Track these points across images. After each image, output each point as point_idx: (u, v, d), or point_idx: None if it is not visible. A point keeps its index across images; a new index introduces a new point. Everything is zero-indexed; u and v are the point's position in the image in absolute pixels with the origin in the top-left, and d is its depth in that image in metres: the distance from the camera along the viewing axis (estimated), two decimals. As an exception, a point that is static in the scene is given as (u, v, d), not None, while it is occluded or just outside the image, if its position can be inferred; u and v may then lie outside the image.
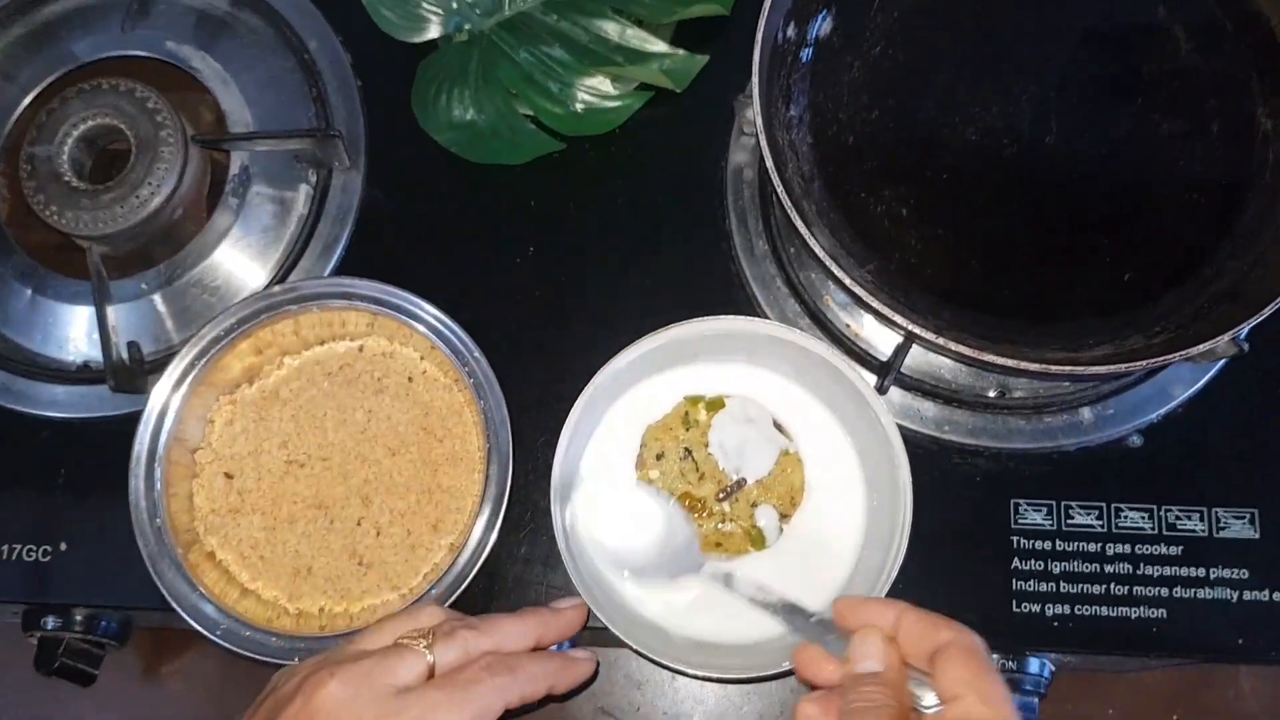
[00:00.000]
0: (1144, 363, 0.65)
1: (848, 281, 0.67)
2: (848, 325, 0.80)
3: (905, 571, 0.72)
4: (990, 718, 0.50)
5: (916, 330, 0.65)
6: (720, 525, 0.73)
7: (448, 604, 0.70)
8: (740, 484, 0.74)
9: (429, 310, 0.75)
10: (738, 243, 0.81)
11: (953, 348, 0.65)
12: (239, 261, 0.83)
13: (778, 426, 0.75)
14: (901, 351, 0.73)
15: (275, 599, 0.74)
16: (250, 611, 0.73)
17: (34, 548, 0.78)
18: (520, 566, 0.76)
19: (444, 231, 0.84)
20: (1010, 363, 0.64)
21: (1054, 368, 0.64)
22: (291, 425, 0.77)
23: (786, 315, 0.80)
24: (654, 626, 0.72)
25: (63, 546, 0.78)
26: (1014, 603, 0.75)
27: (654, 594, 0.72)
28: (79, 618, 0.79)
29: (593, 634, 0.69)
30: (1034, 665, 0.75)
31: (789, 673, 0.64)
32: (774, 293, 0.80)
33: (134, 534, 0.71)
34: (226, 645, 0.70)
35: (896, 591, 0.74)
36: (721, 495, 0.73)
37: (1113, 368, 0.64)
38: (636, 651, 0.67)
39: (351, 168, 0.84)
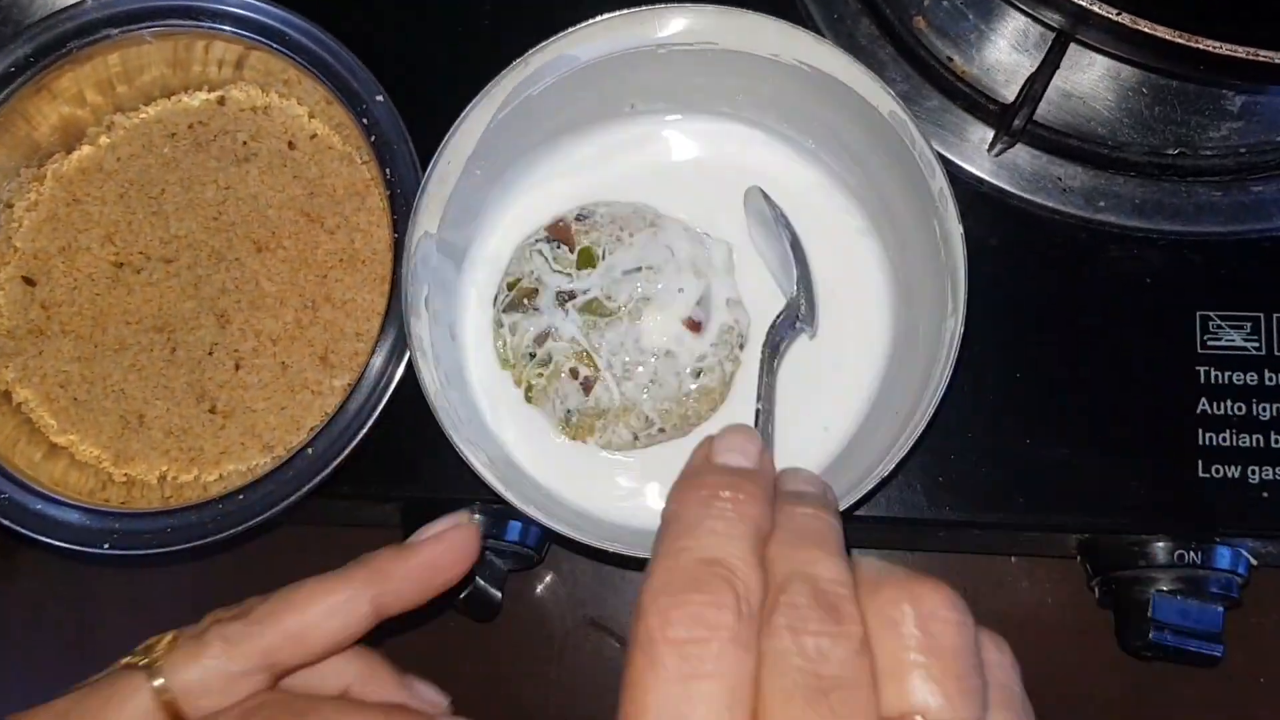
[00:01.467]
0: None
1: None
2: (951, 58, 0.53)
3: (1042, 419, 0.48)
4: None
5: (1087, 4, 0.38)
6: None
7: (325, 474, 0.45)
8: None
9: (320, 37, 0.50)
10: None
11: (1147, 31, 0.38)
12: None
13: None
14: (1048, 65, 0.46)
15: (96, 459, 0.51)
16: (61, 478, 0.49)
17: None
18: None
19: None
20: (1250, 54, 0.38)
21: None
22: (120, 209, 0.52)
23: (858, 42, 0.53)
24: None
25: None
26: (1201, 464, 0.49)
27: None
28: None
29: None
30: (1225, 557, 0.50)
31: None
32: (839, 7, 0.53)
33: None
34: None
35: (1027, 451, 0.49)
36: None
37: None
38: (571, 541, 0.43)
39: None
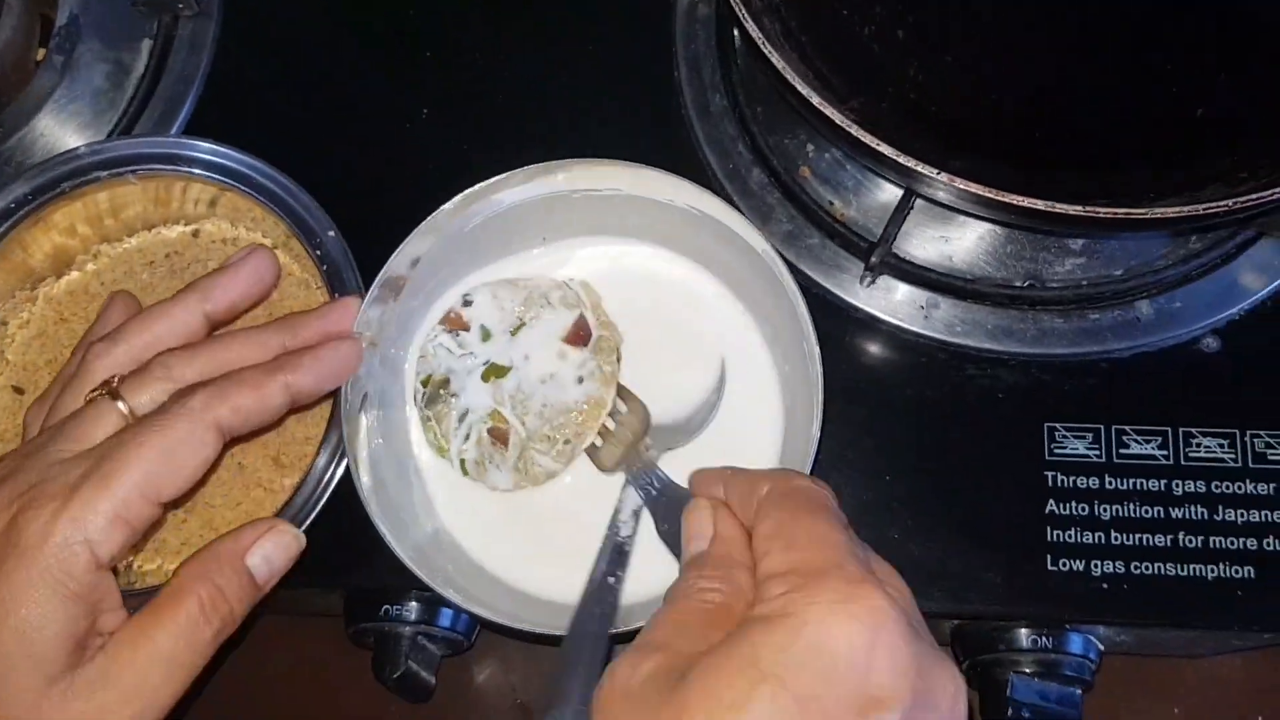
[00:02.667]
0: (1227, 206, 0.46)
1: (829, 113, 0.48)
2: (831, 203, 0.61)
3: (909, 516, 0.55)
4: (799, 565, 0.36)
5: (920, 170, 0.46)
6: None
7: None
8: None
9: (282, 181, 0.58)
10: (689, 98, 0.63)
11: (974, 190, 0.46)
12: (63, 130, 0.65)
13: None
14: (900, 213, 0.54)
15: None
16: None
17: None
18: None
19: (318, 95, 0.66)
20: (1048, 207, 0.46)
21: (1104, 211, 0.45)
22: (99, 329, 0.59)
23: (750, 188, 0.61)
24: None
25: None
26: (1049, 558, 0.55)
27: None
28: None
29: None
30: (1076, 643, 0.56)
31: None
32: (735, 160, 0.62)
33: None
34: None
35: (896, 544, 0.55)
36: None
37: (1188, 210, 0.45)
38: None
39: (202, 13, 0.67)
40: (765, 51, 0.48)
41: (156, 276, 0.60)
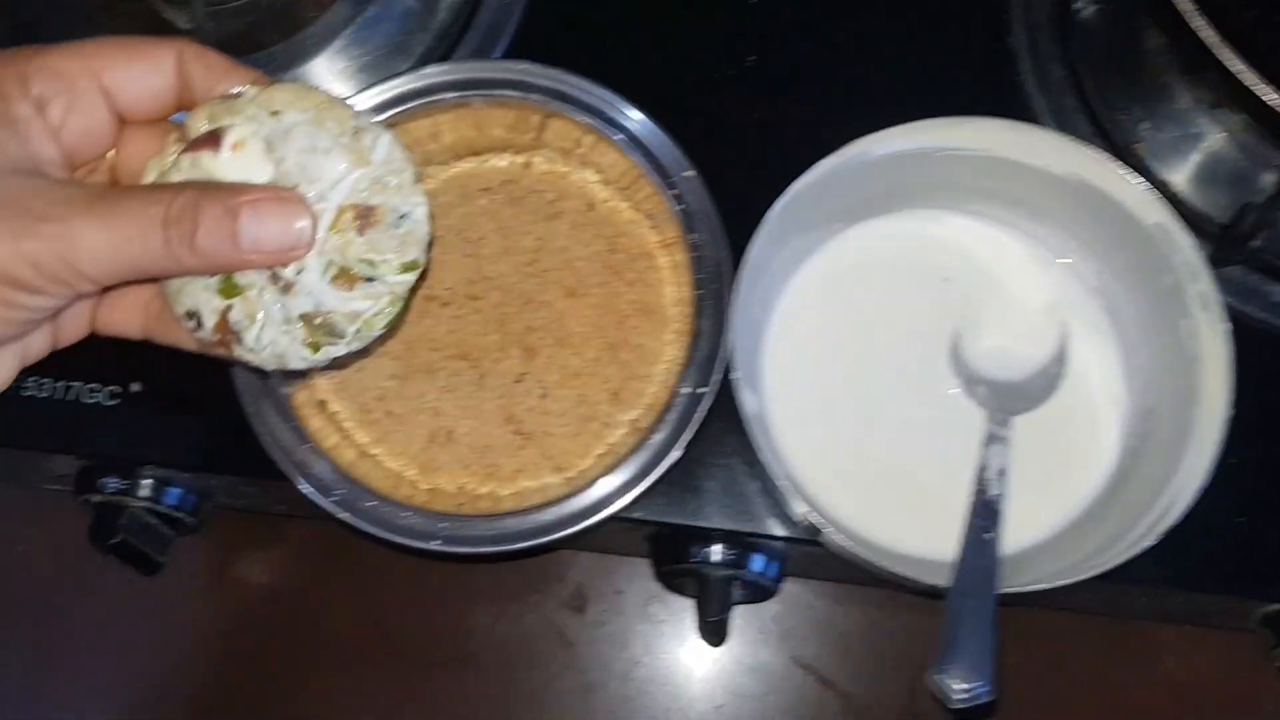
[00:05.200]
0: None
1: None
2: (1165, 182, 0.60)
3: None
4: None
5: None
6: None
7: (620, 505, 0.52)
8: None
9: (631, 114, 0.57)
10: (1028, 68, 0.62)
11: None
12: (370, 56, 0.65)
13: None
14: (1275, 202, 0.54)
15: (401, 470, 0.57)
16: (370, 482, 0.55)
17: (98, 387, 0.60)
18: (725, 471, 0.58)
19: (644, 32, 0.65)
20: None
21: None
22: (437, 250, 0.59)
23: (1086, 161, 0.61)
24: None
25: (134, 387, 0.60)
26: None
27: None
28: (146, 482, 0.61)
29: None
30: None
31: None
32: (1076, 133, 0.61)
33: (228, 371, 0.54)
34: (342, 517, 0.53)
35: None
36: None
37: None
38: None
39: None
40: (1194, 27, 0.48)
41: (498, 203, 0.59)
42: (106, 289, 0.42)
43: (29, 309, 0.38)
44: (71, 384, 0.60)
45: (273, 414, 0.54)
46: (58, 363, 0.58)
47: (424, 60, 0.63)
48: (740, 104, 0.63)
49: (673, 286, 0.58)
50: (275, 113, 0.41)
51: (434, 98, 0.58)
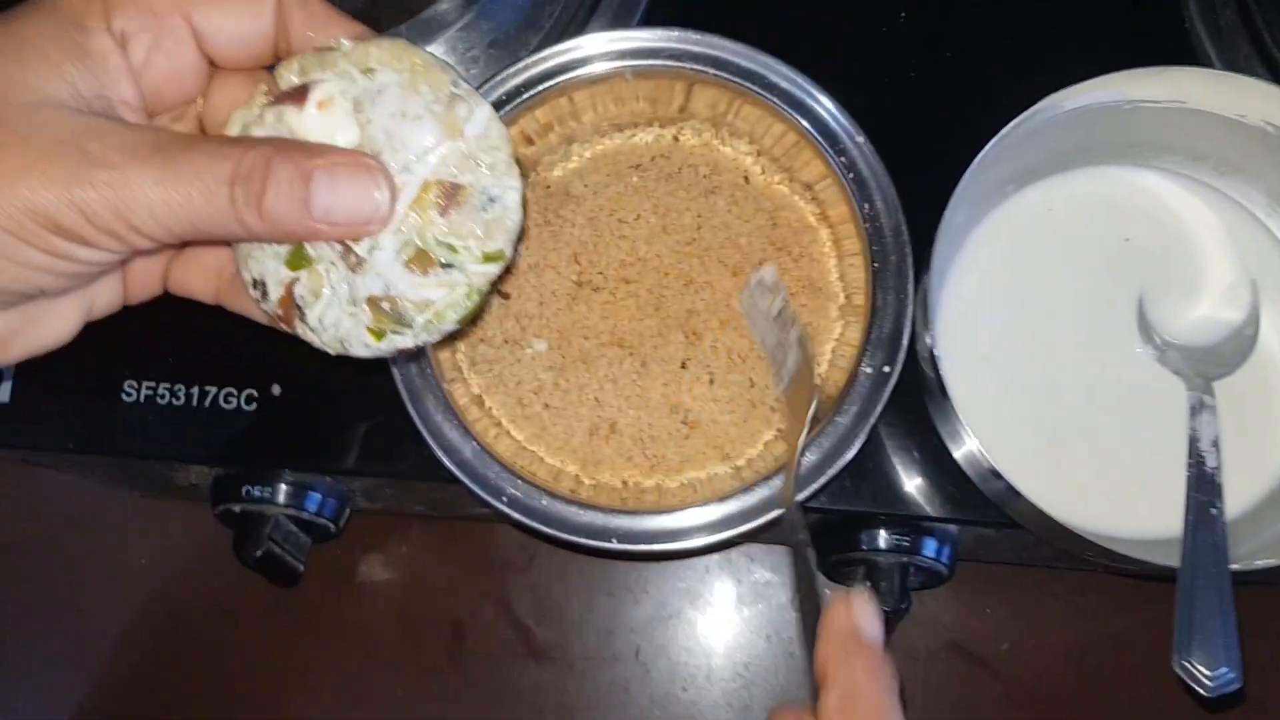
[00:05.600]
0: None
1: None
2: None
3: None
4: None
5: None
6: None
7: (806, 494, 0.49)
8: None
9: (793, 76, 0.54)
10: (1195, 13, 0.59)
11: None
12: (498, 32, 0.62)
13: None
14: None
15: (561, 466, 0.54)
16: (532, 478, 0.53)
17: (234, 391, 0.58)
18: (901, 453, 0.55)
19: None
20: None
21: None
22: (588, 232, 0.56)
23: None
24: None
25: (275, 390, 0.58)
26: None
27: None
28: (284, 488, 0.59)
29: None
30: None
31: None
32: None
33: (387, 362, 0.51)
34: (516, 517, 0.50)
35: None
36: None
37: None
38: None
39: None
40: None
41: (650, 179, 0.56)
42: (176, 246, 0.38)
43: (80, 261, 0.34)
44: (206, 388, 0.58)
45: (436, 412, 0.51)
46: (190, 367, 0.58)
47: (555, 32, 0.60)
48: (894, 63, 0.60)
49: (835, 260, 0.55)
50: (368, 70, 0.36)
51: (573, 74, 0.55)
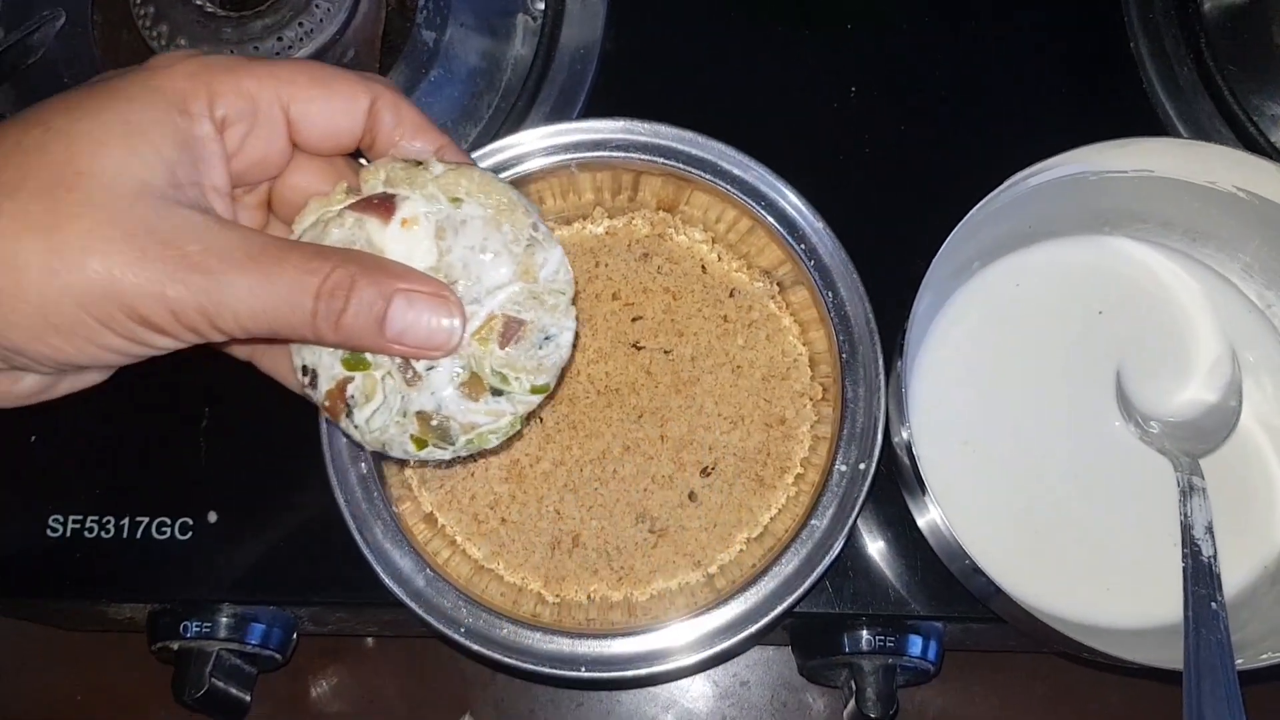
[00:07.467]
0: None
1: None
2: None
3: None
4: None
5: None
6: None
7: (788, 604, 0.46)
8: None
9: (745, 162, 0.51)
10: (1152, 73, 0.57)
11: None
12: (437, 122, 0.59)
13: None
14: None
15: (522, 583, 0.51)
16: (490, 599, 0.49)
17: (167, 520, 0.54)
18: (880, 549, 0.52)
19: (726, 71, 0.60)
20: None
21: None
22: (538, 334, 0.53)
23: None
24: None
25: (211, 517, 0.54)
26: None
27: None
28: (225, 620, 0.55)
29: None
30: None
31: None
32: (1213, 138, 0.56)
33: (330, 485, 0.48)
34: (475, 649, 0.46)
35: None
36: None
37: None
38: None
39: (592, -17, 0.61)
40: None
41: (602, 272, 0.54)
42: None
43: (155, 348, 0.35)
44: (138, 518, 0.54)
45: (385, 539, 0.47)
46: (119, 496, 0.54)
47: (496, 123, 0.58)
48: (848, 141, 0.58)
49: (796, 345, 0.53)
50: (456, 200, 0.37)
51: (522, 168, 0.52)
